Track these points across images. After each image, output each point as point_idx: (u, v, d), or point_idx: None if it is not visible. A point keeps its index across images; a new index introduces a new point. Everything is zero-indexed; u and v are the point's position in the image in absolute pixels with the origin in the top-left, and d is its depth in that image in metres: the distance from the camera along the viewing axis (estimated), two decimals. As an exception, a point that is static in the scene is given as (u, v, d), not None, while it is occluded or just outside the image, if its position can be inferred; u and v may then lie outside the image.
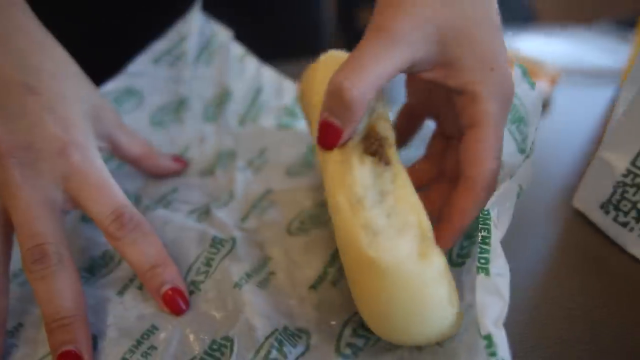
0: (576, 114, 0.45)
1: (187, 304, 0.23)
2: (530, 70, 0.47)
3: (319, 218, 0.29)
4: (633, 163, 0.25)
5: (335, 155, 0.21)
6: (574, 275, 0.26)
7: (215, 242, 0.26)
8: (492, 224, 0.19)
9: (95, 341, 0.22)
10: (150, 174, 0.32)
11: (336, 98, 0.19)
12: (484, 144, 0.21)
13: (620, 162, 0.26)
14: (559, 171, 0.36)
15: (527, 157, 0.22)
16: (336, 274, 0.25)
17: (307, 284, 0.25)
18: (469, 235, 0.23)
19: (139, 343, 0.21)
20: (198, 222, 0.28)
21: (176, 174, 0.32)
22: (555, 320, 0.23)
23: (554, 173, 0.36)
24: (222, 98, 0.38)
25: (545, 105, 0.46)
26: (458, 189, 0.21)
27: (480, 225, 0.19)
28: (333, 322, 0.22)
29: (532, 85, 0.23)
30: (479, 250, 0.19)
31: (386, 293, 0.17)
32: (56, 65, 0.26)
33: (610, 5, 1.20)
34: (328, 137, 0.21)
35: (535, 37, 0.63)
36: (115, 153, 0.29)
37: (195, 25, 0.38)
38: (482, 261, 0.18)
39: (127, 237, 0.23)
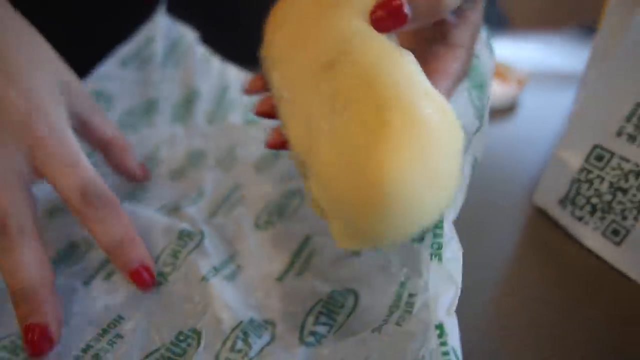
0: (541, 115, 0.47)
1: (154, 280, 0.24)
2: (499, 73, 0.49)
3: (285, 210, 0.29)
4: (587, 160, 0.27)
5: None
6: (535, 268, 0.27)
7: (183, 235, 0.26)
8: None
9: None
10: (113, 166, 0.30)
11: None
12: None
13: (575, 160, 0.27)
14: (524, 170, 0.38)
15: (481, 127, 0.21)
16: (303, 265, 0.26)
17: (273, 276, 0.25)
18: None
19: (104, 332, 0.22)
20: (166, 216, 0.28)
21: (134, 180, 0.31)
22: (518, 310, 0.24)
23: (519, 172, 0.37)
24: (190, 98, 0.39)
25: (513, 107, 0.48)
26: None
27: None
28: (297, 311, 0.23)
29: (492, 52, 0.24)
30: (432, 234, 0.19)
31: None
32: (21, 39, 0.25)
33: (577, 12, 1.25)
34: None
35: (506, 42, 0.65)
36: (83, 134, 0.28)
37: (162, 27, 0.38)
38: (435, 246, 0.19)
39: (95, 214, 0.23)
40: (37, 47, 0.26)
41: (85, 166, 0.23)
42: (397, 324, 0.20)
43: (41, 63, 0.26)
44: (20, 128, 0.23)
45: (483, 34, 0.23)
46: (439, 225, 0.19)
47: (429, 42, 0.21)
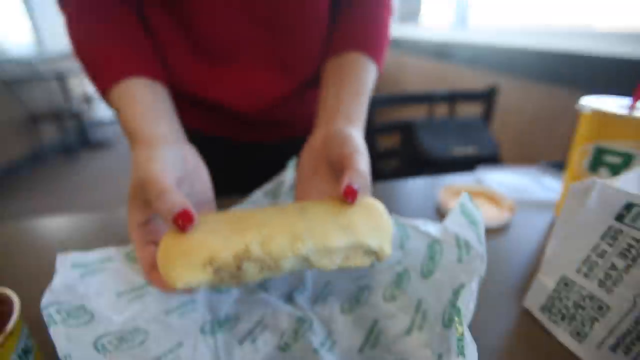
0: (527, 233, 0.61)
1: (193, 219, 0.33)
2: (496, 201, 0.66)
3: (360, 299, 0.43)
4: (557, 284, 0.41)
5: None
6: (522, 355, 0.39)
7: (300, 319, 0.39)
8: (462, 318, 0.30)
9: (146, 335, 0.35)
10: None
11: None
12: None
13: (550, 283, 0.42)
14: (514, 278, 0.49)
15: (484, 256, 0.34)
16: (374, 341, 0.38)
17: (356, 349, 0.38)
18: (453, 305, 0.33)
19: None
20: (287, 304, 0.42)
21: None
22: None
23: (510, 280, 0.49)
24: None
25: (506, 227, 0.64)
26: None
27: (457, 320, 0.32)
28: None
29: (476, 208, 0.36)
30: (457, 343, 0.28)
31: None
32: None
33: (550, 151, 1.52)
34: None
35: (497, 173, 0.84)
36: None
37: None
38: (460, 345, 0.29)
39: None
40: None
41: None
42: None
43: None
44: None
45: (466, 196, 0.38)
46: (460, 338, 0.29)
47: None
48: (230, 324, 0.39)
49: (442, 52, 2.35)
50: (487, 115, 1.55)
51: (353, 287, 0.44)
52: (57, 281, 0.34)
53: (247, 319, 0.40)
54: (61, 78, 3.89)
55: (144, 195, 0.35)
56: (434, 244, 0.41)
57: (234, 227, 0.33)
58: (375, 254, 0.35)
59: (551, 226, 0.62)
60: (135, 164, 0.37)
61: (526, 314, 0.45)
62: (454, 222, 0.39)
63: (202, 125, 0.68)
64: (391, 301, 0.42)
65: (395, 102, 1.45)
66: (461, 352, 0.29)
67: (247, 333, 0.38)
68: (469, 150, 1.40)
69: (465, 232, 0.37)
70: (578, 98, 0.63)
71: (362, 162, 0.37)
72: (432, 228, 0.41)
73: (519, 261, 0.54)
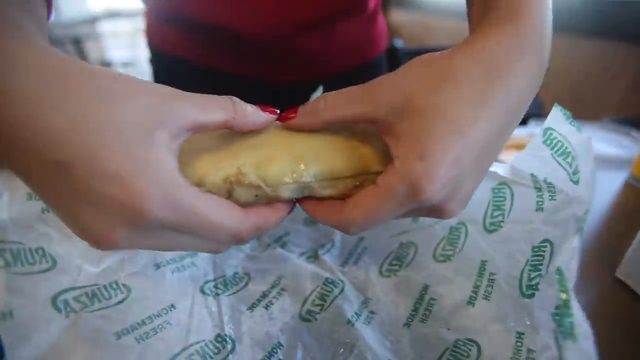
0: (600, 193, 0.52)
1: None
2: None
3: (403, 260, 0.34)
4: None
5: None
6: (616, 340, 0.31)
7: (328, 282, 0.31)
8: (568, 284, 0.23)
9: (233, 344, 0.26)
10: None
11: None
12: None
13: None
14: (593, 240, 0.42)
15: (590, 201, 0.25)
16: (425, 312, 0.29)
17: (401, 322, 0.29)
18: (535, 267, 0.27)
19: (270, 354, 0.26)
20: (309, 263, 0.33)
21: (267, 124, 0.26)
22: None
23: (587, 241, 0.42)
24: None
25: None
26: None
27: (560, 288, 0.24)
28: (427, 357, 0.26)
29: (578, 127, 0.27)
30: (556, 314, 0.22)
31: None
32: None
33: (604, 108, 1.37)
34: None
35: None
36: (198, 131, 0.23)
37: None
38: (568, 325, 0.22)
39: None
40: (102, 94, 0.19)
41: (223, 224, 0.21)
42: None
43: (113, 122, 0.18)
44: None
45: (559, 114, 0.27)
46: (567, 304, 0.22)
47: None
48: (238, 285, 0.31)
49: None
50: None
51: (393, 243, 0.35)
52: (1, 212, 0.25)
53: (260, 279, 0.31)
54: (77, 42, 3.83)
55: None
56: (500, 188, 0.30)
57: (227, 146, 0.25)
58: None
59: (627, 185, 0.54)
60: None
61: (617, 283, 0.36)
62: (531, 156, 0.29)
63: (207, 60, 0.58)
64: (445, 262, 0.32)
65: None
66: (570, 334, 0.20)
67: (260, 297, 0.30)
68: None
69: (547, 170, 0.27)
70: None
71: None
72: (497, 167, 0.31)
73: (596, 221, 0.46)
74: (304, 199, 0.25)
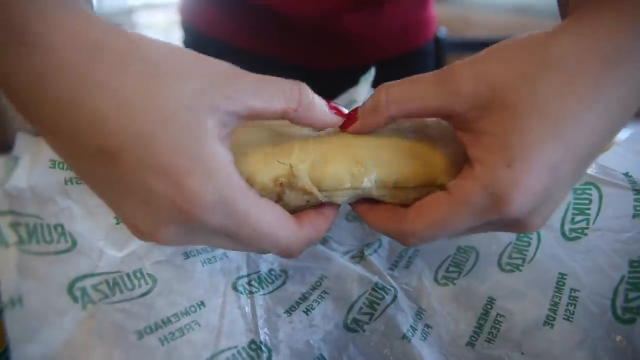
0: None
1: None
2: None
3: (463, 265, 0.29)
4: None
5: None
6: None
7: (378, 288, 0.27)
8: None
9: (269, 353, 0.23)
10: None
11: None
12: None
13: None
14: None
15: None
16: (491, 331, 0.25)
17: (463, 341, 0.25)
18: (635, 286, 0.23)
19: None
20: (354, 264, 0.29)
21: (331, 126, 0.23)
22: None
23: None
24: None
25: None
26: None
27: None
28: None
29: None
30: None
31: None
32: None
33: None
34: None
35: None
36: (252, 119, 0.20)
37: None
38: None
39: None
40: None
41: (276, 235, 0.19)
42: None
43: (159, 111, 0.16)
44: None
45: None
46: None
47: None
48: (274, 283, 0.27)
49: (520, 4, 2.06)
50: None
51: (449, 246, 0.30)
52: (19, 179, 0.22)
53: (299, 279, 0.28)
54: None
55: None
56: (585, 189, 0.26)
57: (277, 139, 0.22)
58: None
59: None
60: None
61: None
62: (626, 152, 0.25)
63: (247, 42, 0.55)
64: (513, 272, 0.28)
65: (471, 47, 1.25)
66: None
67: (299, 299, 0.26)
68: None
69: None
70: None
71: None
72: None
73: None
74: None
